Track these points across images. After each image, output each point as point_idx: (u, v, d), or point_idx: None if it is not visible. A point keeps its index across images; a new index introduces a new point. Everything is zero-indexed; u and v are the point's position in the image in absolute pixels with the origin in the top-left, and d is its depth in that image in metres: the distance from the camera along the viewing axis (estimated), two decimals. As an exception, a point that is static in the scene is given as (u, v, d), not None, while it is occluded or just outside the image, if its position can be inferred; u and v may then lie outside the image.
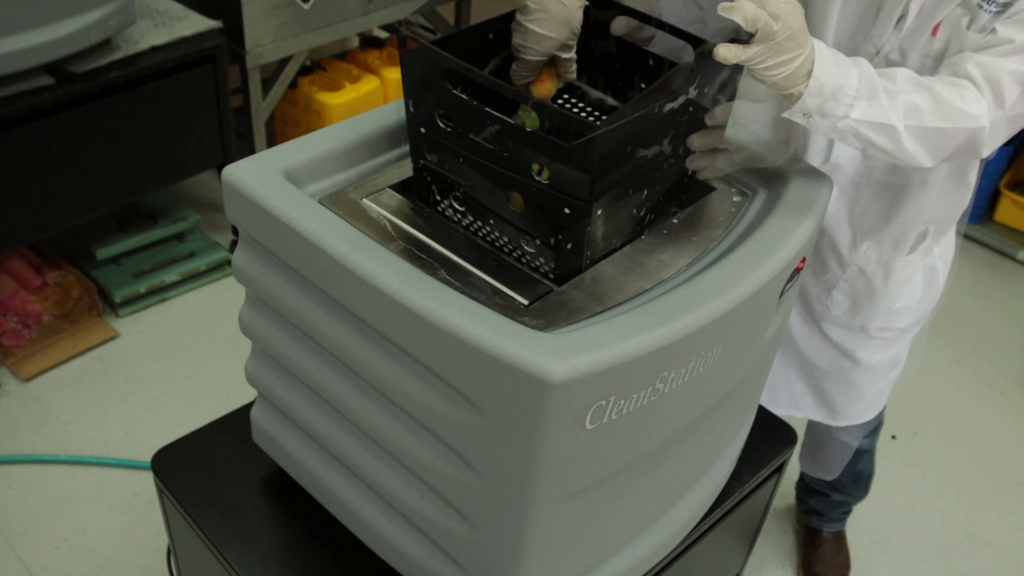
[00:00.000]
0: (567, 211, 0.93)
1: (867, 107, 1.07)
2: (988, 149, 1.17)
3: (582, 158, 0.89)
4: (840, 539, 2.12)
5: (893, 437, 2.45)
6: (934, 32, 1.20)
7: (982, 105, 1.11)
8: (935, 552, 2.20)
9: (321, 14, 2.76)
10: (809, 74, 1.03)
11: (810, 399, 1.72)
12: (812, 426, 1.87)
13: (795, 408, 1.74)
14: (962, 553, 2.20)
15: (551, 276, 0.99)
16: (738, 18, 0.96)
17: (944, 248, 1.53)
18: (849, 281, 1.52)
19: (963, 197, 1.46)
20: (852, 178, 1.42)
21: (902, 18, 1.20)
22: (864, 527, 2.22)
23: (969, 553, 2.20)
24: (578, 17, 1.11)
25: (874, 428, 1.85)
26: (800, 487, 2.11)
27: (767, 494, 1.51)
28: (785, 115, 1.09)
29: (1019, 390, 2.66)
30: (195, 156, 2.57)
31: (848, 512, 2.09)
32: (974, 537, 2.24)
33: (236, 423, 1.36)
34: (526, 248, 1.00)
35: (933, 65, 1.23)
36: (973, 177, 1.44)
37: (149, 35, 2.36)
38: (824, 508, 2.05)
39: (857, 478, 1.96)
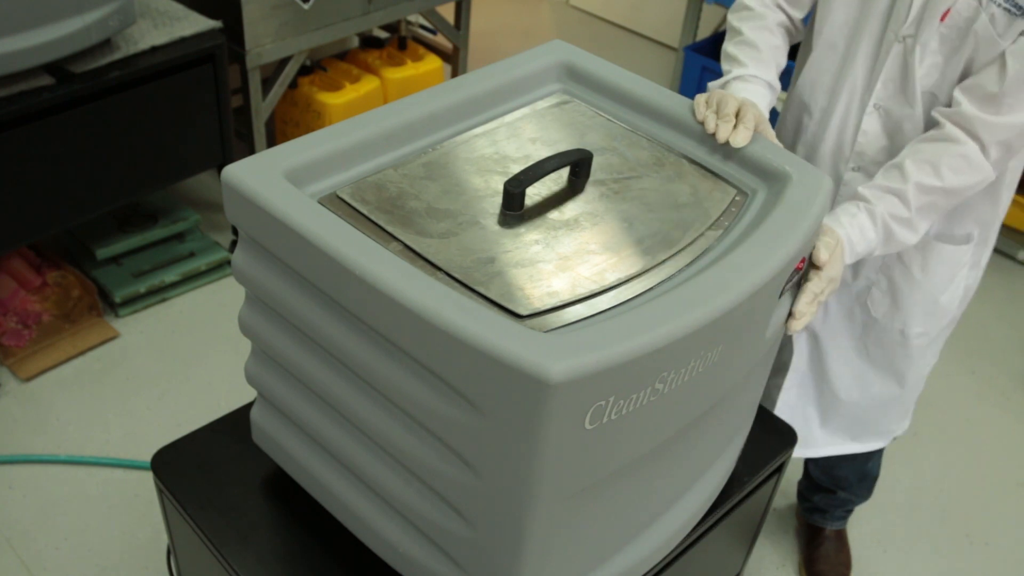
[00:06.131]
0: None
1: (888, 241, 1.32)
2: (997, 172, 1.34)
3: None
4: (842, 538, 2.12)
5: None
6: (942, 18, 1.27)
7: (987, 165, 1.30)
8: (935, 552, 2.20)
9: (321, 14, 2.76)
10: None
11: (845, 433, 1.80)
12: None
13: (833, 448, 1.81)
14: (962, 553, 2.20)
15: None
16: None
17: (981, 258, 1.59)
18: (887, 272, 1.55)
19: (1000, 201, 1.51)
20: None
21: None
22: (864, 527, 2.22)
23: (969, 553, 2.20)
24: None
25: None
26: (803, 484, 2.11)
27: (767, 494, 1.51)
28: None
29: (1019, 390, 2.66)
30: (195, 156, 2.57)
31: (850, 511, 2.09)
32: (974, 537, 2.24)
33: (236, 423, 1.36)
34: None
35: (945, 62, 1.31)
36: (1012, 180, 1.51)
37: (149, 35, 2.36)
38: (828, 506, 2.05)
39: (864, 477, 1.96)
